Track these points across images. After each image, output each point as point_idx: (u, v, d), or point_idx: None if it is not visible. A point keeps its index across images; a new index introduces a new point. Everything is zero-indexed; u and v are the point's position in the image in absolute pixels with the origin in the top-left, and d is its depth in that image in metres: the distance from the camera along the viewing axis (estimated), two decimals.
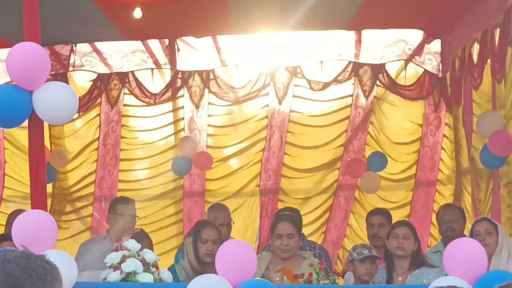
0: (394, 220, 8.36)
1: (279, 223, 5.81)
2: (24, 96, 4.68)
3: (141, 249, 5.30)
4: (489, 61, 6.87)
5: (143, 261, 4.95)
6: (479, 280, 4.29)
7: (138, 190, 9.02)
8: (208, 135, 9.07)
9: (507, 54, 6.39)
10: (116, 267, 4.92)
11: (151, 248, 5.64)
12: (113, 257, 4.97)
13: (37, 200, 4.79)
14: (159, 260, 5.08)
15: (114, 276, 4.88)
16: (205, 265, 5.67)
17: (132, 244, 5.01)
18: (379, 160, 8.70)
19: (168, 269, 5.54)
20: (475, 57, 7.31)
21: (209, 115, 9.07)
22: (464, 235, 6.83)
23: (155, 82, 9.07)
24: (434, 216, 8.80)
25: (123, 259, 4.94)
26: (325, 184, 9.09)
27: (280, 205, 8.97)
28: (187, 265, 5.69)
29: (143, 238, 5.85)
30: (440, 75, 8.78)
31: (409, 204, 9.00)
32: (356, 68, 8.89)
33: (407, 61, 8.85)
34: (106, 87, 8.99)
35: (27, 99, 4.68)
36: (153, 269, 4.96)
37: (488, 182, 7.35)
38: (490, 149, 6.59)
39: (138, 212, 8.36)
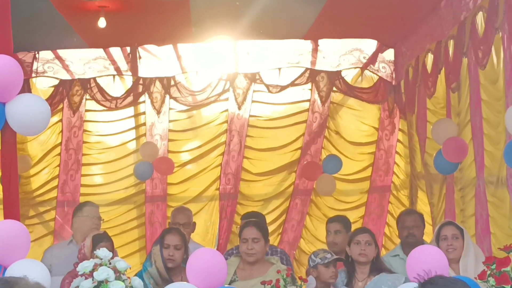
0: (353, 224, 8.58)
1: (245, 228, 5.85)
2: None
3: (99, 249, 5.33)
4: (443, 71, 7.00)
5: (115, 269, 4.92)
6: None
7: (101, 194, 8.98)
8: (169, 140, 9.07)
9: (461, 65, 6.51)
10: (88, 275, 4.89)
11: (113, 250, 5.60)
12: (85, 266, 4.92)
13: (10, 209, 4.74)
14: (130, 268, 5.05)
15: (86, 285, 4.83)
16: (171, 272, 5.66)
17: (103, 253, 4.97)
18: (334, 163, 8.79)
19: (134, 275, 5.53)
20: (429, 67, 7.44)
21: (170, 121, 9.07)
22: (423, 241, 6.92)
23: (117, 88, 9.05)
24: (388, 217, 8.95)
25: (95, 268, 4.89)
26: (282, 187, 9.18)
27: (239, 208, 9.05)
28: (155, 273, 5.67)
29: (104, 240, 5.82)
30: (394, 83, 8.92)
31: (364, 205, 9.13)
32: (313, 74, 9.01)
33: (362, 69, 8.99)
34: (68, 93, 8.94)
35: (0, 111, 4.62)
36: (124, 277, 4.93)
37: (441, 187, 7.48)
38: (444, 155, 6.70)
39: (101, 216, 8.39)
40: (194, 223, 7.48)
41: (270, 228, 8.90)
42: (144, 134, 9.07)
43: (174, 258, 5.66)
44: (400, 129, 9.07)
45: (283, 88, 8.99)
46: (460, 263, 5.44)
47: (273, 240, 8.92)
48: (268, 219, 8.92)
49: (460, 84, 6.72)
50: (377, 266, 5.65)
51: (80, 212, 6.75)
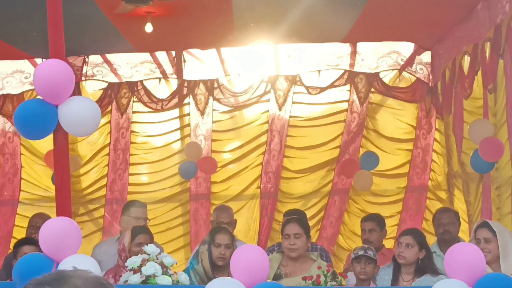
0: (389, 218, 8.58)
1: (287, 225, 5.87)
2: (50, 110, 4.70)
3: (141, 243, 5.42)
4: (479, 72, 6.94)
5: (162, 264, 4.98)
6: (478, 282, 4.33)
7: (147, 193, 9.05)
8: (212, 140, 9.11)
9: (498, 67, 6.45)
10: (137, 270, 4.95)
11: (151, 242, 5.63)
12: (134, 261, 5.00)
13: (63, 207, 4.81)
14: (176, 263, 5.11)
15: (134, 279, 4.91)
16: (218, 269, 5.69)
17: (151, 249, 5.04)
18: (371, 159, 8.79)
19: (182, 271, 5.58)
20: (465, 69, 7.38)
21: (213, 121, 9.12)
22: (459, 238, 6.88)
23: (162, 91, 9.13)
24: (426, 212, 8.90)
25: (143, 263, 4.96)
26: (321, 185, 9.17)
27: (279, 206, 9.07)
28: (201, 270, 5.71)
29: (144, 232, 5.85)
30: (431, 84, 8.87)
31: (401, 201, 9.09)
32: (351, 76, 8.98)
33: (400, 70, 8.96)
34: (116, 95, 9.03)
35: (53, 113, 4.70)
36: (171, 272, 4.99)
37: (478, 186, 7.42)
38: (480, 155, 6.65)
39: (147, 214, 8.46)
40: (235, 221, 7.51)
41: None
42: (189, 135, 9.12)
43: (225, 257, 5.70)
44: (437, 129, 9.01)
45: (322, 89, 8.99)
46: (501, 264, 5.37)
47: (312, 236, 8.84)
48: (307, 215, 8.93)
49: (497, 85, 6.65)
50: (422, 268, 5.61)
51: (128, 212, 6.80)
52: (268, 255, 6.52)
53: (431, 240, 7.86)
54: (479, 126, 6.80)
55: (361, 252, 5.75)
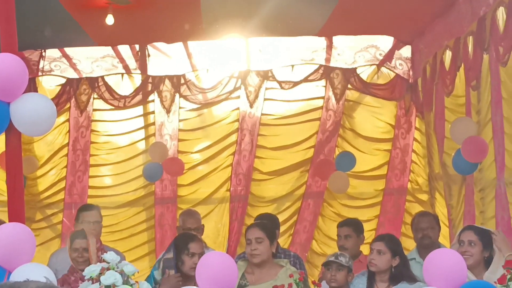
0: (367, 222, 8.59)
1: (248, 230, 5.87)
2: (1, 108, 4.63)
3: (77, 249, 5.44)
4: (462, 68, 6.96)
5: (122, 273, 4.91)
6: None
7: (109, 196, 8.99)
8: (179, 140, 9.06)
9: (482, 62, 6.47)
10: (95, 279, 4.88)
11: (88, 246, 5.58)
12: (92, 270, 4.92)
13: (15, 212, 4.74)
14: (138, 272, 5.05)
15: None
16: (188, 279, 5.64)
17: (111, 256, 4.97)
18: (347, 159, 8.80)
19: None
20: (447, 64, 7.41)
21: (179, 120, 9.08)
22: (439, 243, 6.90)
23: (125, 87, 9.07)
24: (406, 216, 8.93)
25: (102, 272, 4.89)
26: (294, 187, 9.18)
27: (250, 210, 9.06)
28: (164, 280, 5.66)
29: (79, 237, 5.79)
30: (411, 81, 8.90)
31: (379, 204, 9.13)
32: (327, 71, 8.99)
33: (378, 66, 8.98)
34: (75, 91, 8.95)
35: (4, 111, 4.63)
36: (133, 281, 4.92)
37: (460, 188, 7.44)
38: (463, 155, 6.66)
39: (109, 219, 8.44)
40: (203, 226, 7.48)
41: (281, 230, 8.88)
42: (154, 134, 9.07)
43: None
44: (417, 128, 9.05)
45: (296, 84, 8.99)
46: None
47: (284, 241, 8.94)
48: (279, 219, 8.90)
49: (480, 81, 6.68)
50: (397, 275, 5.61)
51: (77, 217, 6.74)
52: (236, 262, 6.53)
53: (411, 245, 7.90)
54: (462, 125, 6.82)
55: (331, 258, 5.76)
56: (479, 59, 6.46)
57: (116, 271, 4.91)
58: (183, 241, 5.80)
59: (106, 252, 4.97)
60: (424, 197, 8.92)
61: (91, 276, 4.91)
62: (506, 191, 6.22)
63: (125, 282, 4.90)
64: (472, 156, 6.62)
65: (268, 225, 6.17)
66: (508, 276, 4.34)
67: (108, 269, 4.91)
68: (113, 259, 4.97)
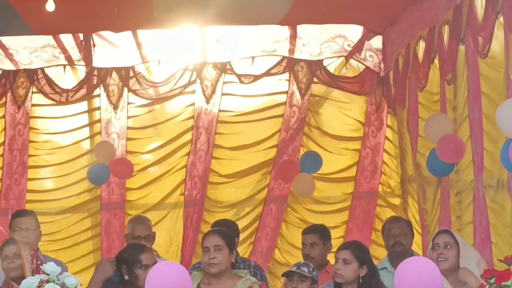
0: (335, 229, 8.62)
1: (206, 237, 5.86)
2: None
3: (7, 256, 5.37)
4: (436, 60, 7.01)
5: (64, 286, 4.87)
6: None
7: (50, 201, 8.91)
8: (128, 139, 9.01)
9: (458, 53, 6.52)
10: None
11: (34, 253, 5.55)
12: (30, 282, 4.87)
13: None
14: (81, 284, 5.01)
15: None
16: None
17: (51, 268, 4.92)
18: (312, 160, 8.81)
19: None
20: (420, 56, 7.45)
21: (128, 117, 9.03)
22: (412, 251, 6.95)
23: (68, 80, 8.99)
24: (376, 221, 8.98)
25: (41, 284, 4.84)
26: (255, 191, 9.18)
27: (206, 216, 9.04)
28: None
29: (9, 244, 5.75)
30: (382, 74, 8.95)
31: (348, 209, 9.16)
32: (291, 63, 9.02)
33: (347, 58, 9.01)
34: (12, 85, 8.87)
35: None
36: None
37: (435, 191, 7.50)
38: (438, 155, 6.70)
39: (50, 226, 8.39)
40: (154, 234, 7.43)
41: (241, 237, 8.88)
42: (99, 132, 9.01)
43: None
44: (388, 126, 9.11)
45: (256, 77, 9.00)
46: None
47: (245, 250, 8.95)
48: (239, 226, 8.89)
49: (457, 75, 6.73)
50: (365, 286, 5.63)
51: (10, 225, 6.68)
52: (190, 273, 6.52)
53: (382, 254, 7.94)
54: (437, 123, 6.86)
55: (293, 268, 5.78)
56: (455, 50, 6.51)
57: (56, 283, 4.88)
58: (133, 254, 5.77)
59: (42, 262, 4.93)
60: (396, 201, 8.98)
61: None
62: (484, 195, 6.27)
63: None
64: (448, 157, 6.66)
65: (228, 232, 6.17)
66: (487, 287, 4.37)
67: (47, 281, 4.88)
68: (53, 270, 4.93)
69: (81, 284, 5.01)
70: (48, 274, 4.92)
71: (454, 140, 6.66)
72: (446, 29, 6.77)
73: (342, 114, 9.17)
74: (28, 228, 6.59)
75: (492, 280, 4.37)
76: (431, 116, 7.15)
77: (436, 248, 5.53)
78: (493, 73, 6.02)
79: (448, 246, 5.50)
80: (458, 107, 6.84)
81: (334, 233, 8.04)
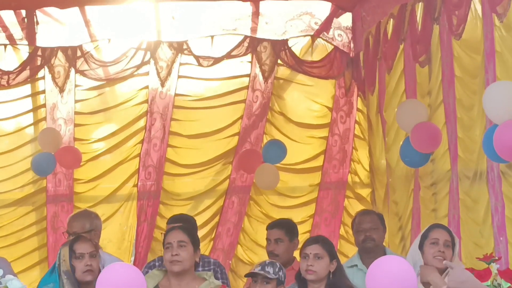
0: (301, 224, 8.66)
1: (169, 233, 5.88)
2: None
3: None
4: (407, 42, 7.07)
5: None
6: None
7: None
8: (76, 125, 8.99)
9: (432, 33, 6.56)
10: None
11: None
12: None
13: None
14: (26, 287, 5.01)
15: None
16: (87, 285, 5.64)
17: None
18: (276, 149, 8.85)
19: None
20: (390, 35, 7.49)
21: (76, 101, 9.00)
22: (384, 246, 7.00)
23: (9, 61, 8.93)
24: (345, 215, 9.04)
25: None
26: (215, 182, 9.22)
27: (162, 209, 9.08)
28: None
29: None
30: (351, 54, 8.98)
31: (314, 201, 9.22)
32: (253, 44, 9.04)
33: (314, 37, 9.05)
34: None
35: None
36: None
37: (409, 182, 7.54)
38: (413, 144, 6.74)
39: None
40: (98, 229, 7.31)
41: (200, 233, 8.90)
42: (44, 118, 8.98)
43: (93, 268, 5.70)
44: (359, 110, 9.17)
45: (216, 60, 9.00)
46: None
47: (204, 247, 8.96)
48: (198, 221, 8.91)
49: (431, 57, 6.78)
50: (335, 284, 5.68)
51: None
52: (147, 272, 6.53)
53: (351, 251, 8.02)
54: (410, 109, 6.89)
55: (257, 270, 5.79)
56: (429, 30, 6.55)
57: None
58: (67, 246, 5.77)
59: None
60: (365, 192, 9.05)
61: None
62: (458, 186, 6.33)
63: None
64: (423, 146, 6.70)
65: (193, 230, 6.20)
66: None
67: None
68: None
69: None
70: None
71: (429, 128, 6.70)
72: (420, 7, 6.81)
73: (308, 99, 9.22)
74: None
75: None
76: (404, 102, 7.21)
77: (435, 243, 5.46)
78: (467, 56, 6.07)
79: (447, 245, 5.47)
80: (432, 91, 6.89)
81: (300, 228, 7.99)
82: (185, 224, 6.92)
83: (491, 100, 5.12)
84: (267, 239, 7.23)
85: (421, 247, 5.52)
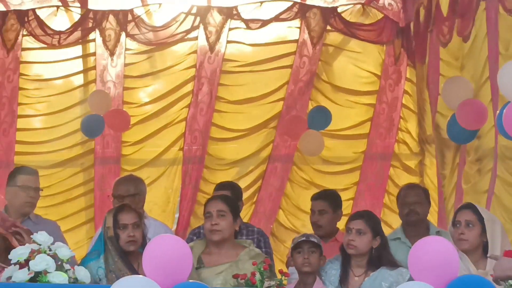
0: (345, 191, 8.67)
1: (209, 202, 5.96)
2: None
3: None
4: None
5: (56, 257, 4.97)
6: (449, 286, 4.45)
7: (40, 154, 8.99)
8: (124, 88, 9.05)
9: (478, 9, 6.51)
10: (23, 264, 4.93)
11: None
12: (19, 253, 4.97)
13: None
14: (74, 256, 5.11)
15: (20, 276, 4.88)
16: (130, 256, 5.74)
17: (42, 237, 5.02)
18: (321, 115, 8.85)
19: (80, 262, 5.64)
20: (444, 9, 7.42)
21: (125, 64, 9.05)
22: (428, 221, 7.02)
23: (61, 22, 8.98)
24: (389, 184, 9.05)
25: (31, 255, 4.94)
26: (259, 147, 9.24)
27: (206, 173, 9.13)
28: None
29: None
30: (401, 24, 8.89)
31: (359, 169, 9.20)
32: (303, 9, 8.98)
33: (364, 5, 8.95)
34: (1, 27, 8.87)
35: None
36: (68, 266, 4.98)
37: (455, 155, 7.53)
38: (459, 121, 6.73)
39: (40, 181, 8.37)
40: (143, 193, 7.38)
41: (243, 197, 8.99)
42: (94, 81, 9.05)
43: (135, 239, 5.76)
44: (408, 79, 9.09)
45: (265, 23, 8.97)
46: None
47: (246, 211, 8.99)
48: (241, 185, 8.95)
49: (472, 32, 6.72)
50: (377, 259, 5.72)
51: (13, 180, 6.73)
52: (192, 239, 6.62)
53: (394, 220, 8.01)
54: (456, 86, 6.87)
55: (302, 239, 5.83)
56: (475, 5, 6.50)
57: (48, 254, 4.97)
58: (112, 215, 5.86)
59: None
60: (412, 163, 9.00)
61: (18, 260, 4.96)
62: (497, 163, 6.31)
63: (59, 267, 4.96)
64: (469, 123, 6.69)
65: (234, 199, 6.28)
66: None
67: (38, 252, 4.97)
68: (44, 240, 5.03)
69: (74, 256, 5.12)
70: (40, 244, 5.02)
71: (475, 106, 6.68)
72: None
73: (356, 66, 9.15)
74: (37, 188, 6.70)
75: None
76: (450, 79, 7.17)
77: (458, 226, 5.56)
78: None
79: (470, 225, 5.54)
80: (477, 68, 6.84)
81: (343, 195, 8.05)
82: (231, 190, 7.01)
83: (506, 77, 5.08)
84: (311, 210, 7.28)
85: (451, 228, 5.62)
